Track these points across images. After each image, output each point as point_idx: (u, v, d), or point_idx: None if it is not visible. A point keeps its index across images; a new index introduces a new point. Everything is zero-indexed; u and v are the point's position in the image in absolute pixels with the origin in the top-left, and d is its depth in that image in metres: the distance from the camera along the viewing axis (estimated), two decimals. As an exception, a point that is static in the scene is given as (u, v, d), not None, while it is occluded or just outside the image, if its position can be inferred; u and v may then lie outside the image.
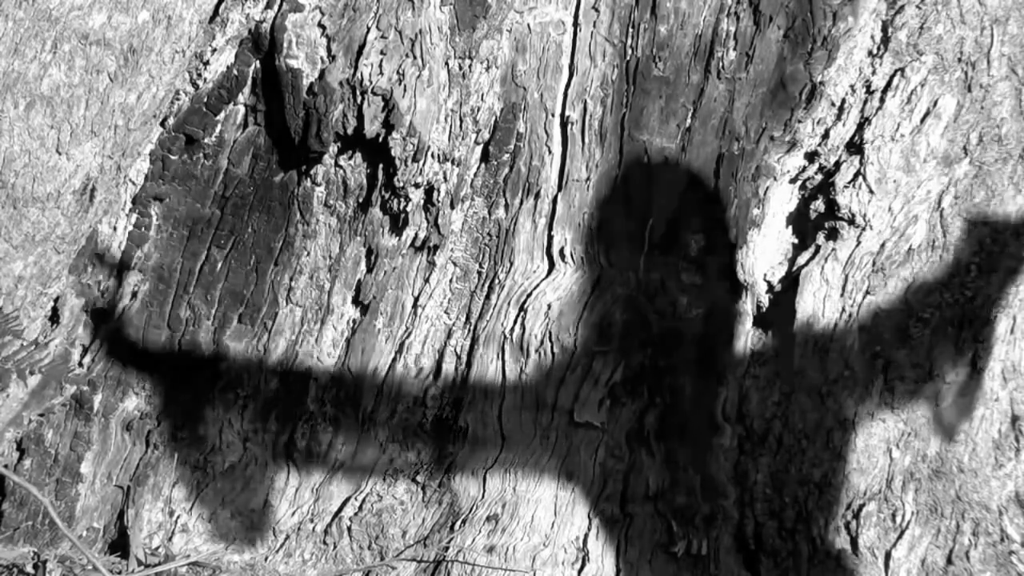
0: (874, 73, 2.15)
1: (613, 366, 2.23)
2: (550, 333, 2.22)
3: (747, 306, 2.22)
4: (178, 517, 2.27)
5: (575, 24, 2.17)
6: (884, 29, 2.14)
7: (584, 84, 2.18)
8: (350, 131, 2.14)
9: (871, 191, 2.15)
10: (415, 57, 2.12)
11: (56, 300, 2.20)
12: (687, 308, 2.22)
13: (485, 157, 2.20)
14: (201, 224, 2.24)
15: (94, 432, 2.26)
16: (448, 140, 2.17)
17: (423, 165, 2.16)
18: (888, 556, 2.21)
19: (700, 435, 2.25)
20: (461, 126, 2.17)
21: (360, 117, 2.12)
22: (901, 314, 2.20)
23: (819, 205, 2.19)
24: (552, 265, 2.22)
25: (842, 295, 2.20)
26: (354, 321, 2.27)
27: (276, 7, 2.12)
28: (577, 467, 2.25)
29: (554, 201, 2.21)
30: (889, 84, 2.14)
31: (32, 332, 2.16)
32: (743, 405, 2.24)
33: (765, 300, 2.24)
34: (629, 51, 2.17)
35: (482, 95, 2.18)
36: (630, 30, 2.16)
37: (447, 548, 2.23)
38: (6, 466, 2.21)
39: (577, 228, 2.21)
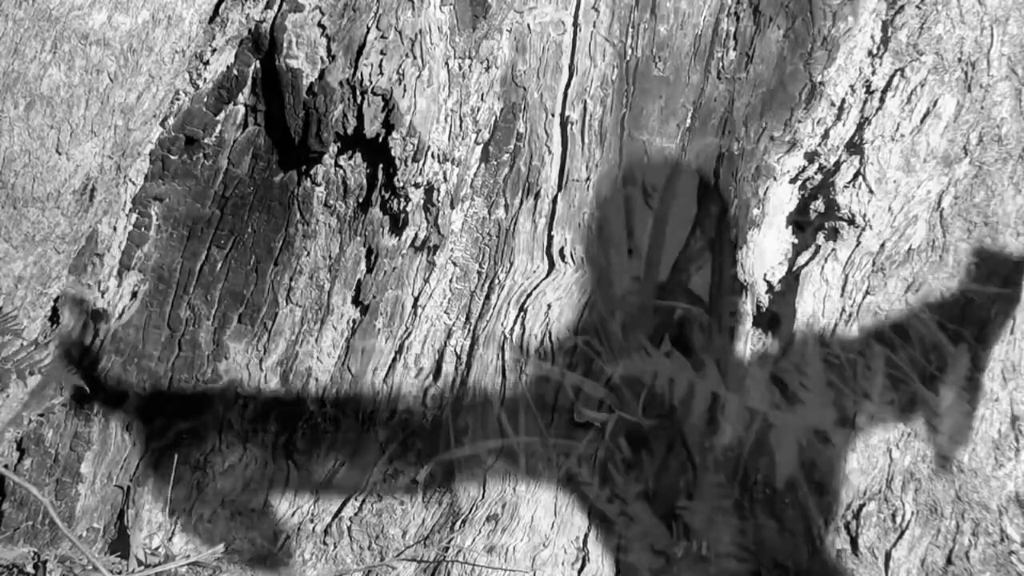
0: (874, 73, 2.15)
1: (613, 366, 2.23)
2: (550, 333, 2.22)
3: (747, 306, 2.22)
4: (178, 517, 2.27)
5: (575, 24, 2.17)
6: (884, 29, 2.14)
7: (584, 84, 2.17)
8: (350, 131, 2.13)
9: (871, 191, 2.15)
10: (415, 57, 2.12)
11: (56, 300, 2.20)
12: (687, 308, 2.22)
13: (485, 157, 2.20)
14: (201, 224, 2.23)
15: (94, 432, 2.26)
16: (448, 140, 2.17)
17: (423, 165, 2.16)
18: (888, 556, 2.21)
19: (700, 435, 2.25)
20: (461, 126, 2.17)
21: (360, 117, 2.12)
22: (901, 314, 2.20)
23: (819, 205, 2.19)
24: (552, 265, 2.22)
25: (842, 295, 2.19)
26: (354, 321, 2.27)
27: (276, 7, 2.12)
28: (577, 467, 2.25)
29: (554, 201, 2.20)
30: (889, 84, 2.14)
31: (32, 332, 2.16)
32: (743, 405, 2.24)
33: (765, 300, 2.24)
34: (629, 51, 2.17)
35: (482, 95, 2.18)
36: (630, 30, 2.16)
37: (447, 548, 2.23)
38: (6, 466, 2.21)
39: (577, 228, 2.20)
